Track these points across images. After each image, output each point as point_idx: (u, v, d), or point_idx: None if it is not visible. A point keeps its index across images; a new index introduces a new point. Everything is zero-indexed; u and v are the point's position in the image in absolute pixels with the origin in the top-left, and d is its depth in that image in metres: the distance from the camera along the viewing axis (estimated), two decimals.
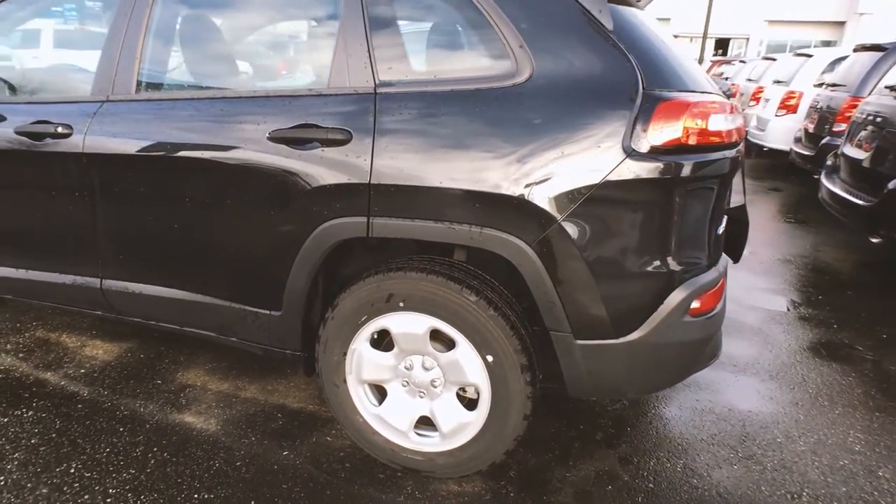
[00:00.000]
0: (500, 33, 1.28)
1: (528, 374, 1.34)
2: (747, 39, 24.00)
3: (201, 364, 2.08)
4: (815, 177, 4.09)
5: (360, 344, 1.47)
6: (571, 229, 1.23)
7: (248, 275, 1.55)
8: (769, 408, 1.91)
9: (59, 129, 1.61)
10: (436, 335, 1.40)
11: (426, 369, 1.45)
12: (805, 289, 3.00)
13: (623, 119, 1.20)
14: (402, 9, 1.40)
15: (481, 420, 1.42)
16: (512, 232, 1.26)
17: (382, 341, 1.50)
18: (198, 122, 1.49)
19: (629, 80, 1.21)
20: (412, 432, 1.50)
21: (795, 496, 1.52)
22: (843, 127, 4.14)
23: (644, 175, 1.20)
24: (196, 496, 1.45)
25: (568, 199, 1.22)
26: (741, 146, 1.38)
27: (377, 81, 1.35)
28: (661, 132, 1.20)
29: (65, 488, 1.46)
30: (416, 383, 1.47)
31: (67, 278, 1.80)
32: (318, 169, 1.36)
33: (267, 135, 1.40)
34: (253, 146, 1.41)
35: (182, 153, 1.50)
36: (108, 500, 1.43)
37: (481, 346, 1.35)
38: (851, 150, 3.36)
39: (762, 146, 6.33)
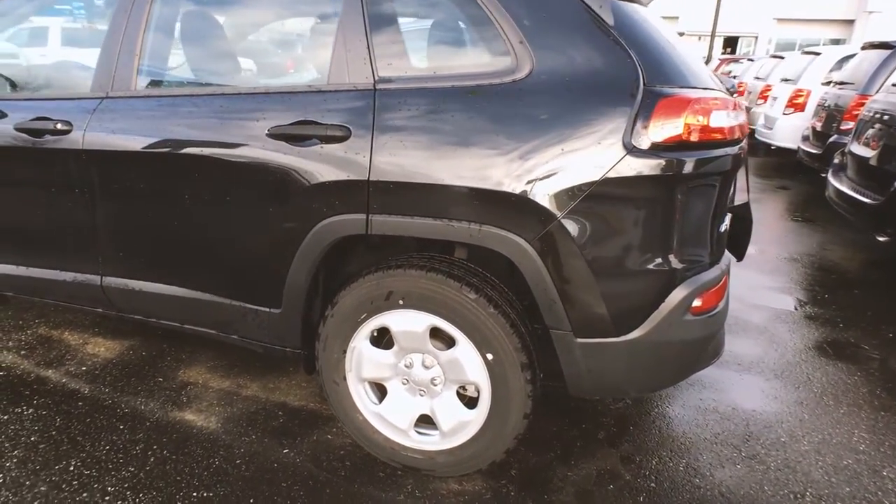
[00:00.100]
0: (500, 29, 1.27)
1: (528, 372, 1.33)
2: (756, 38, 23.82)
3: (203, 362, 2.08)
4: (823, 175, 4.05)
5: (360, 342, 1.46)
6: (571, 227, 1.22)
7: (248, 272, 1.54)
8: (773, 407, 1.89)
9: (59, 126, 1.62)
10: (436, 333, 1.40)
11: (426, 367, 1.44)
12: (811, 287, 2.97)
13: (624, 115, 1.18)
14: (401, 5, 1.40)
15: (481, 418, 1.41)
16: (511, 229, 1.24)
17: (382, 339, 1.49)
18: (197, 118, 1.49)
19: (630, 76, 1.20)
20: (412, 431, 1.49)
21: (798, 496, 1.50)
22: (850, 125, 4.10)
23: (645, 172, 1.19)
24: (195, 494, 1.45)
25: (568, 196, 1.21)
26: (744, 143, 1.36)
27: (377, 78, 1.34)
28: (662, 129, 1.18)
29: (63, 486, 1.47)
30: (416, 381, 1.46)
31: (68, 275, 1.80)
32: (318, 165, 1.35)
33: (266, 131, 1.39)
34: (252, 143, 1.41)
35: (181, 150, 1.50)
36: (107, 498, 1.43)
37: (481, 345, 1.34)
38: (859, 148, 3.32)
39: (770, 144, 6.28)
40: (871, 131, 3.22)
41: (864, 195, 3.06)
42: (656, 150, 1.19)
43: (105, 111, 1.60)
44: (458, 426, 1.44)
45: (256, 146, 1.40)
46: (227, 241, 1.53)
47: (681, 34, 1.76)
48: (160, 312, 1.74)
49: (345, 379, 1.51)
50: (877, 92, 3.98)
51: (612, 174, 1.19)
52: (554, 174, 1.21)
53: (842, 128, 4.45)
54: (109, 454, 1.59)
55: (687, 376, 1.48)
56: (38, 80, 2.02)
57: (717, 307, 1.37)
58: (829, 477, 1.57)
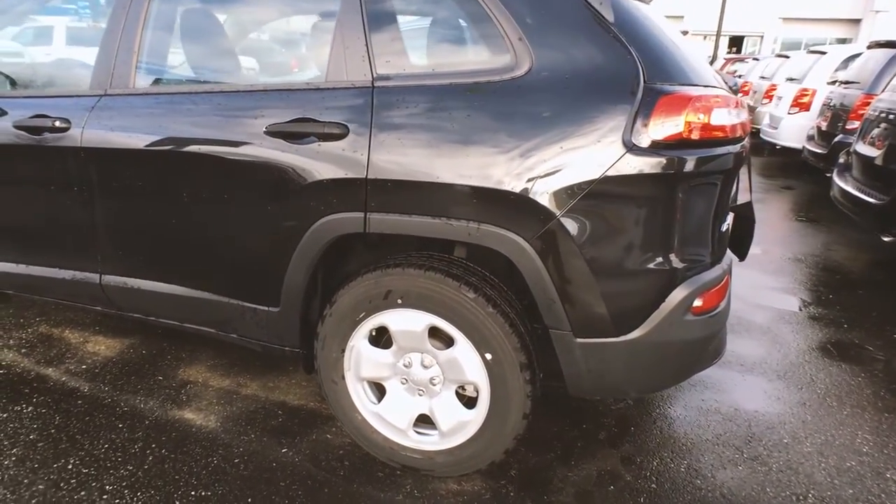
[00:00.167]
0: (499, 26, 1.26)
1: (527, 372, 1.32)
2: (761, 37, 23.68)
3: (203, 360, 2.08)
4: (828, 175, 4.01)
5: (359, 341, 1.45)
6: (570, 225, 1.21)
7: (246, 270, 1.54)
8: (776, 408, 1.87)
9: (57, 124, 1.62)
10: (434, 332, 1.39)
11: (425, 367, 1.43)
12: (815, 288, 2.95)
13: (624, 113, 1.17)
14: (400, 2, 1.39)
15: (480, 419, 1.40)
16: (510, 228, 1.23)
17: (381, 338, 1.48)
18: (195, 116, 1.48)
19: (630, 73, 1.18)
20: (411, 430, 1.48)
21: (801, 498, 1.48)
22: (856, 124, 4.06)
23: (645, 170, 1.17)
24: (193, 493, 1.45)
25: (567, 195, 1.19)
26: (746, 141, 1.35)
27: (375, 75, 1.33)
28: (662, 126, 1.17)
29: (62, 484, 1.47)
30: (415, 381, 1.45)
31: (67, 273, 1.80)
32: (315, 163, 1.34)
33: (264, 129, 1.39)
34: (250, 140, 1.40)
35: (179, 147, 1.50)
36: (105, 496, 1.43)
37: (480, 344, 1.33)
38: (864, 148, 3.29)
39: (775, 144, 6.24)
40: (876, 131, 3.19)
41: (869, 195, 3.03)
42: (657, 148, 1.17)
43: (103, 109, 1.59)
44: (457, 426, 1.43)
45: (254, 144, 1.40)
46: (225, 240, 1.53)
47: (684, 33, 1.75)
48: (159, 311, 1.74)
49: (343, 378, 1.50)
50: (882, 91, 3.94)
51: (611, 172, 1.17)
52: (553, 172, 1.20)
53: (847, 127, 4.42)
54: (108, 453, 1.59)
55: (688, 377, 1.47)
56: (38, 78, 2.03)
57: (719, 307, 1.36)
58: (832, 479, 1.55)
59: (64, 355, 2.09)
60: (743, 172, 1.58)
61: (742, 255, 1.68)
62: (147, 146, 1.53)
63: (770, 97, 6.75)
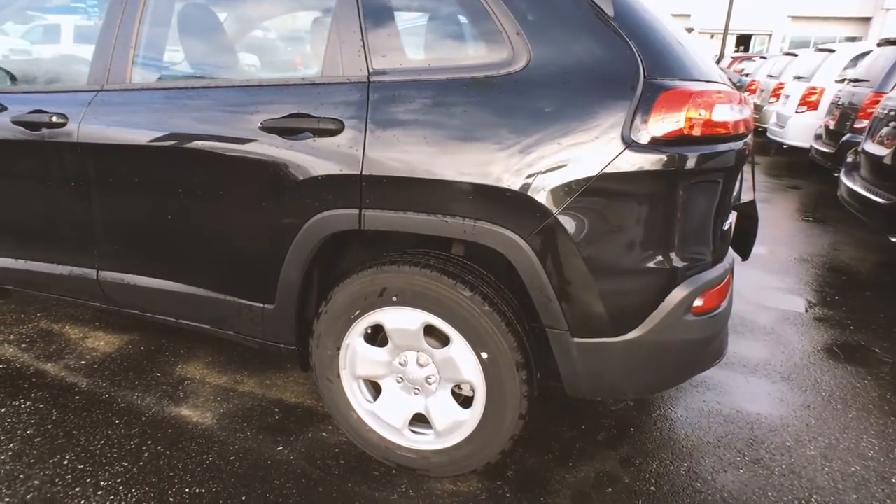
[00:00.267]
0: (496, 20, 1.23)
1: (524, 372, 1.30)
2: (770, 36, 23.45)
3: (201, 357, 2.07)
4: (835, 174, 3.96)
5: (354, 339, 1.44)
6: (568, 223, 1.18)
7: (241, 267, 1.53)
8: (779, 410, 1.84)
9: (55, 119, 1.61)
10: (430, 331, 1.37)
11: (421, 366, 1.42)
12: (821, 289, 2.90)
13: (623, 109, 1.15)
14: None
15: (476, 418, 1.38)
16: (506, 225, 1.22)
17: (377, 336, 1.47)
18: (191, 111, 1.47)
19: (630, 68, 1.16)
20: (407, 429, 1.47)
21: (803, 502, 1.45)
22: (864, 123, 4.00)
23: (644, 167, 1.15)
24: (187, 490, 1.44)
25: (564, 192, 1.17)
26: (749, 138, 1.32)
27: (370, 70, 1.31)
28: (662, 122, 1.15)
29: (57, 480, 1.46)
30: (411, 380, 1.44)
31: (65, 269, 1.80)
32: (310, 159, 1.33)
33: (259, 124, 1.38)
34: (245, 136, 1.39)
35: (175, 143, 1.49)
36: (99, 493, 1.43)
37: (476, 343, 1.31)
38: (873, 147, 3.24)
39: (782, 143, 6.17)
40: (885, 129, 3.14)
41: (877, 195, 2.98)
42: (657, 144, 1.15)
43: (100, 104, 1.59)
44: (453, 426, 1.41)
45: (249, 139, 1.39)
46: (220, 236, 1.52)
47: (689, 30, 1.72)
48: (155, 307, 1.73)
49: (339, 376, 1.49)
50: (892, 89, 3.88)
51: (610, 169, 1.15)
52: (550, 169, 1.17)
53: (856, 126, 4.35)
54: (104, 449, 1.58)
55: (687, 378, 1.45)
56: (38, 73, 2.03)
57: (720, 307, 1.33)
58: (836, 483, 1.52)
59: (63, 351, 2.10)
60: (746, 171, 1.55)
61: (745, 254, 1.66)
62: (143, 142, 1.52)
63: (777, 96, 6.67)
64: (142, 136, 1.52)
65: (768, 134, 6.55)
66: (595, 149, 1.16)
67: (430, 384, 1.42)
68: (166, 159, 1.51)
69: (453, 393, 1.42)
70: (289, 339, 1.55)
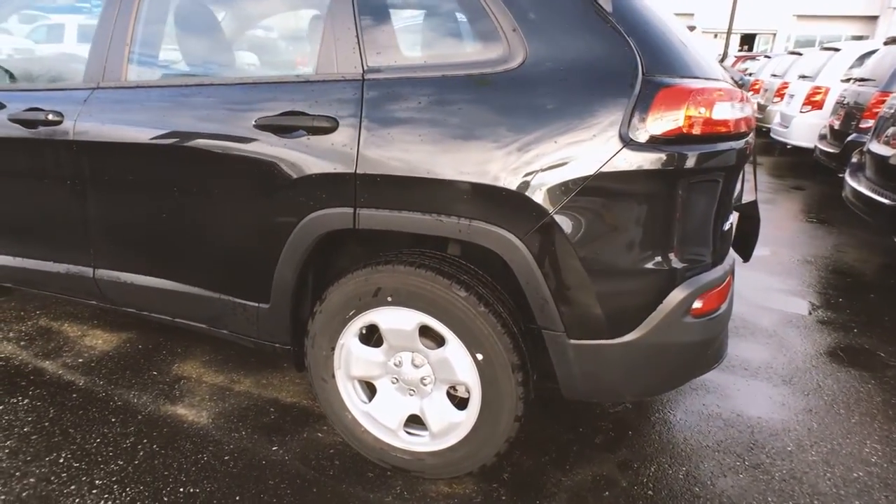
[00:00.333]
0: (492, 16, 1.22)
1: (519, 374, 1.29)
2: (774, 35, 23.28)
3: (198, 356, 2.07)
4: (840, 175, 3.92)
5: (349, 339, 1.43)
6: (564, 223, 1.17)
7: (236, 266, 1.52)
8: (781, 414, 1.82)
9: (50, 117, 1.61)
10: (426, 331, 1.36)
11: (416, 366, 1.41)
12: (825, 291, 2.87)
13: (621, 107, 1.13)
14: None
15: (471, 420, 1.37)
16: (502, 225, 1.20)
17: (372, 337, 1.46)
18: (186, 109, 1.46)
19: (628, 65, 1.14)
20: (402, 431, 1.46)
21: None
22: (870, 123, 3.96)
23: (643, 166, 1.13)
24: (181, 490, 1.43)
25: (561, 191, 1.16)
26: (750, 137, 1.30)
27: (365, 67, 1.30)
28: (661, 121, 1.13)
29: (52, 478, 1.46)
30: (406, 381, 1.42)
31: (62, 267, 1.80)
32: (304, 157, 1.32)
33: (253, 122, 1.37)
34: (239, 134, 1.38)
35: (169, 141, 1.48)
36: (94, 491, 1.42)
37: (471, 344, 1.30)
38: (878, 147, 3.20)
39: (785, 144, 6.12)
40: (891, 129, 3.10)
41: (883, 196, 2.94)
42: (655, 143, 1.13)
43: (95, 102, 1.58)
44: (448, 427, 1.40)
45: (244, 137, 1.38)
46: (215, 234, 1.51)
47: (691, 28, 1.69)
48: (151, 306, 1.73)
49: (333, 377, 1.48)
50: None
51: (607, 168, 1.13)
52: (547, 168, 1.16)
53: (861, 126, 4.31)
54: (100, 447, 1.58)
55: (686, 381, 1.43)
56: (36, 71, 2.03)
57: (720, 309, 1.31)
58: (838, 489, 1.50)
59: (62, 348, 2.10)
60: (748, 171, 1.53)
61: (746, 255, 1.63)
62: (137, 140, 1.52)
63: (781, 95, 6.62)
64: (136, 133, 1.52)
65: (772, 134, 6.49)
66: (592, 147, 1.14)
67: (425, 385, 1.41)
68: (160, 157, 1.50)
69: (449, 394, 1.41)
70: (284, 339, 1.54)
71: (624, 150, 1.13)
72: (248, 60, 1.78)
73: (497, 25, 1.21)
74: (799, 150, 5.99)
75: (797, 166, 6.28)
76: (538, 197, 1.16)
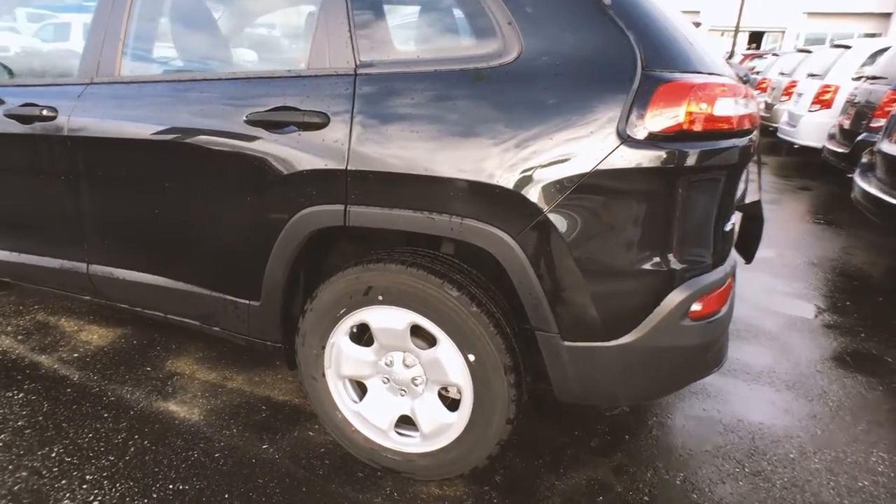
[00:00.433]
0: (487, 9, 1.19)
1: (512, 375, 1.26)
2: (783, 32, 22.97)
3: (192, 353, 2.06)
4: (849, 175, 3.84)
5: (339, 338, 1.41)
6: (559, 222, 1.13)
7: (227, 263, 1.50)
8: (783, 420, 1.78)
9: (45, 112, 1.60)
10: (417, 331, 1.33)
11: (407, 366, 1.38)
12: (831, 294, 2.81)
13: (619, 102, 1.09)
14: None
15: (463, 422, 1.34)
16: (494, 223, 1.17)
17: (363, 336, 1.43)
18: (178, 104, 1.45)
19: (627, 59, 1.10)
20: (392, 431, 1.43)
21: None
22: (881, 122, 3.88)
23: (642, 164, 1.10)
24: (171, 486, 1.42)
25: (556, 190, 1.12)
26: (755, 135, 1.26)
27: (358, 62, 1.27)
28: (660, 117, 1.09)
29: (44, 472, 1.45)
30: (397, 381, 1.40)
31: (57, 262, 1.79)
32: (295, 153, 1.29)
33: (245, 117, 1.34)
34: (231, 129, 1.36)
35: (161, 136, 1.46)
36: (84, 486, 1.41)
37: (463, 345, 1.27)
38: (890, 147, 3.13)
39: (793, 143, 6.02)
40: None
41: (893, 197, 2.88)
42: (654, 140, 1.09)
43: (89, 97, 1.57)
44: (439, 428, 1.37)
45: (235, 133, 1.36)
46: (206, 231, 1.49)
47: (697, 25, 1.64)
48: (144, 302, 1.72)
49: (324, 375, 1.46)
50: None
51: (604, 166, 1.10)
52: (542, 165, 1.13)
53: (872, 125, 4.22)
54: (92, 442, 1.57)
55: (684, 386, 1.40)
56: (33, 67, 2.02)
57: (720, 312, 1.28)
58: (842, 499, 1.46)
59: (58, 343, 2.09)
60: (752, 170, 1.49)
61: (749, 257, 1.59)
62: (130, 135, 1.50)
63: (789, 94, 6.51)
64: (129, 129, 1.50)
65: (779, 133, 6.39)
66: (589, 144, 1.10)
67: (416, 385, 1.38)
68: (153, 153, 1.48)
69: (440, 395, 1.38)
70: (275, 337, 1.52)
71: (621, 147, 1.09)
72: (242, 55, 1.76)
73: (492, 19, 1.18)
74: (806, 150, 5.89)
75: (804, 166, 6.18)
76: (532, 195, 1.13)
